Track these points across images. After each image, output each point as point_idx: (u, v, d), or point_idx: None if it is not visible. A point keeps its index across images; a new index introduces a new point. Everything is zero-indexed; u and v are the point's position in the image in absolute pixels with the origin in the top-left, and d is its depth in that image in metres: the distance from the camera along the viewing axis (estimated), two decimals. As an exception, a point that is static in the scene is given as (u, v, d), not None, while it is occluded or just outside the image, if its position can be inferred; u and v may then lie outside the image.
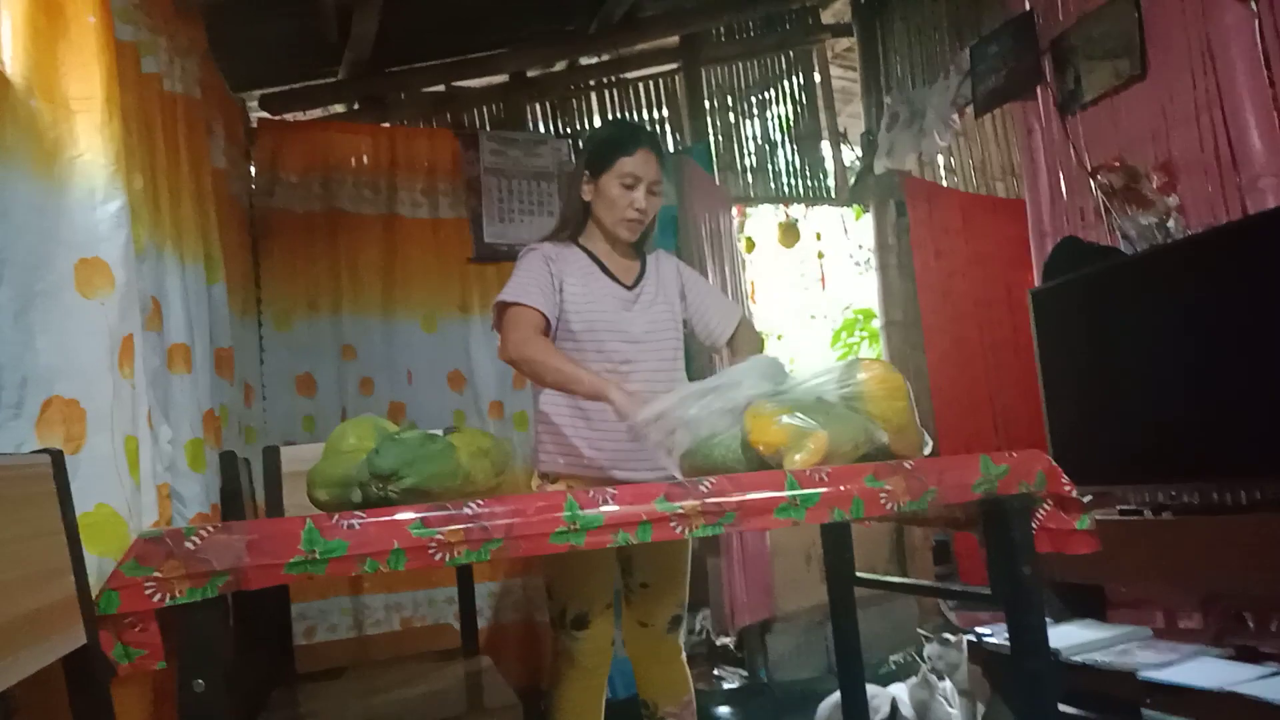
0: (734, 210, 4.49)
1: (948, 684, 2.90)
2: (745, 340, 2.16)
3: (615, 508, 1.21)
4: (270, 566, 1.07)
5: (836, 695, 2.61)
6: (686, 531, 1.25)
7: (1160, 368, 2.38)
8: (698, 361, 3.17)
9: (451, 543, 1.14)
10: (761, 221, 5.80)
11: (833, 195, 4.93)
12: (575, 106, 4.40)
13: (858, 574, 2.10)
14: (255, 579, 1.07)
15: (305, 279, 3.38)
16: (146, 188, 1.74)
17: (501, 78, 4.21)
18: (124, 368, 1.40)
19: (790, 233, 5.27)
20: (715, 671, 3.81)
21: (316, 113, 4.04)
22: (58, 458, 1.08)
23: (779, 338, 6.48)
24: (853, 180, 4.85)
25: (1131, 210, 2.77)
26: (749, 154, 4.73)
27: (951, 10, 4.01)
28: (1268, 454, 2.10)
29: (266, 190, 3.40)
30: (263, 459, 2.24)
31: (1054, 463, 1.50)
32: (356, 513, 1.13)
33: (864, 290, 6.04)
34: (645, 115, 4.54)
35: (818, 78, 4.93)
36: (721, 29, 4.63)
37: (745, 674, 3.77)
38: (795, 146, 4.84)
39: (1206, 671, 1.98)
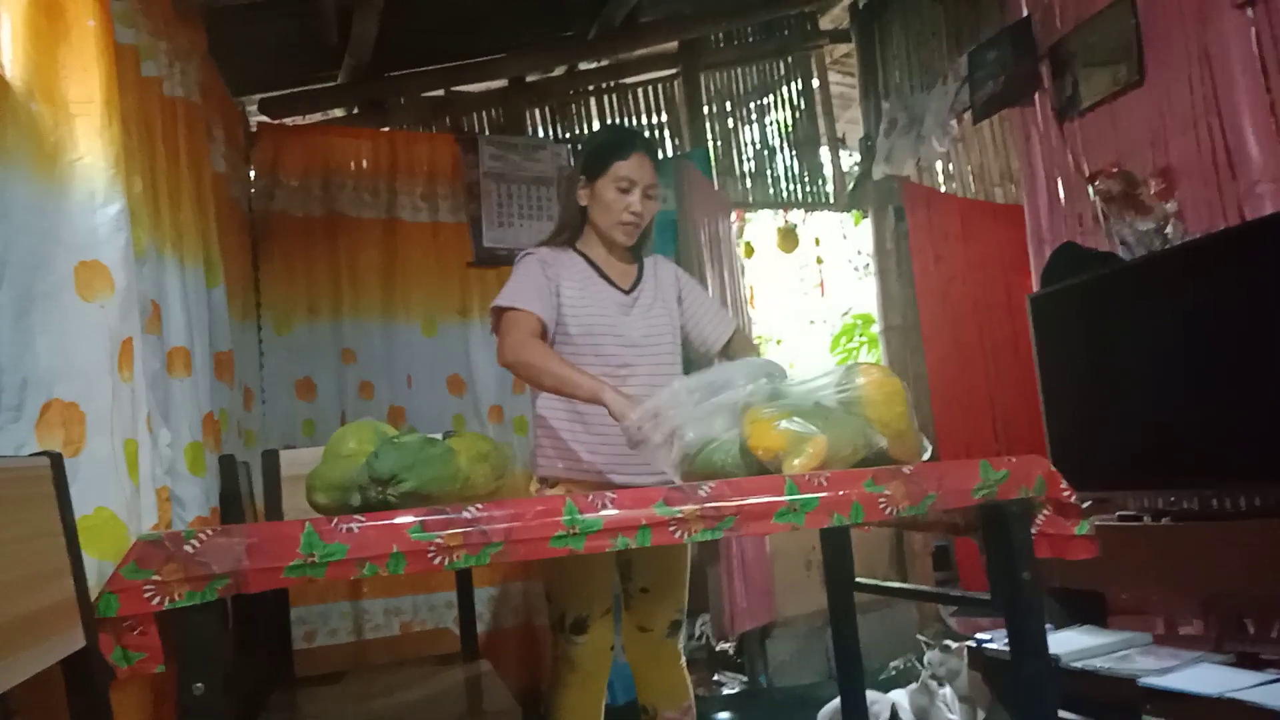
0: (733, 215, 4.49)
1: (948, 690, 2.89)
2: (740, 349, 2.18)
3: (614, 512, 1.21)
4: (269, 570, 1.07)
5: (836, 701, 2.61)
6: (685, 536, 1.25)
7: (1159, 373, 2.39)
8: (697, 368, 3.16)
9: (450, 546, 1.14)
10: (761, 227, 5.82)
11: (831, 200, 4.94)
12: (574, 111, 4.41)
13: (857, 579, 2.09)
14: (254, 582, 1.07)
15: (305, 283, 3.38)
16: (146, 191, 1.74)
17: (501, 82, 4.22)
18: (123, 371, 1.40)
19: (789, 238, 5.29)
20: (715, 677, 3.80)
21: (316, 117, 4.05)
22: (57, 460, 1.08)
23: (778, 342, 6.49)
24: (851, 186, 4.85)
25: (1129, 216, 2.78)
26: (748, 159, 4.74)
27: (949, 16, 4.02)
28: (1267, 459, 2.10)
29: (266, 194, 3.40)
30: (262, 463, 2.24)
31: (1053, 468, 1.50)
32: (355, 516, 1.13)
33: (863, 295, 6.05)
34: (644, 120, 4.55)
35: (816, 83, 4.94)
36: (720, 35, 4.64)
37: (745, 679, 3.77)
38: (794, 152, 4.85)
39: (1207, 678, 1.98)
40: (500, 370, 3.57)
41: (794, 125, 4.86)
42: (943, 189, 4.80)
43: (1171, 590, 2.41)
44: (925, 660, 2.98)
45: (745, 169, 4.72)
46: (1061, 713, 1.98)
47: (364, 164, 3.56)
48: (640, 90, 4.56)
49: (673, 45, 4.48)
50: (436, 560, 1.13)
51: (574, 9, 3.90)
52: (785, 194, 4.83)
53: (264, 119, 3.68)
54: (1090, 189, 2.96)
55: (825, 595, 2.11)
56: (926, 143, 3.98)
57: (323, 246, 3.43)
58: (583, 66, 4.39)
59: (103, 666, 1.04)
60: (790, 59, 4.89)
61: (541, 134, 4.27)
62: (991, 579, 1.52)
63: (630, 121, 4.49)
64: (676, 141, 4.54)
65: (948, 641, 2.98)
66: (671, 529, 1.24)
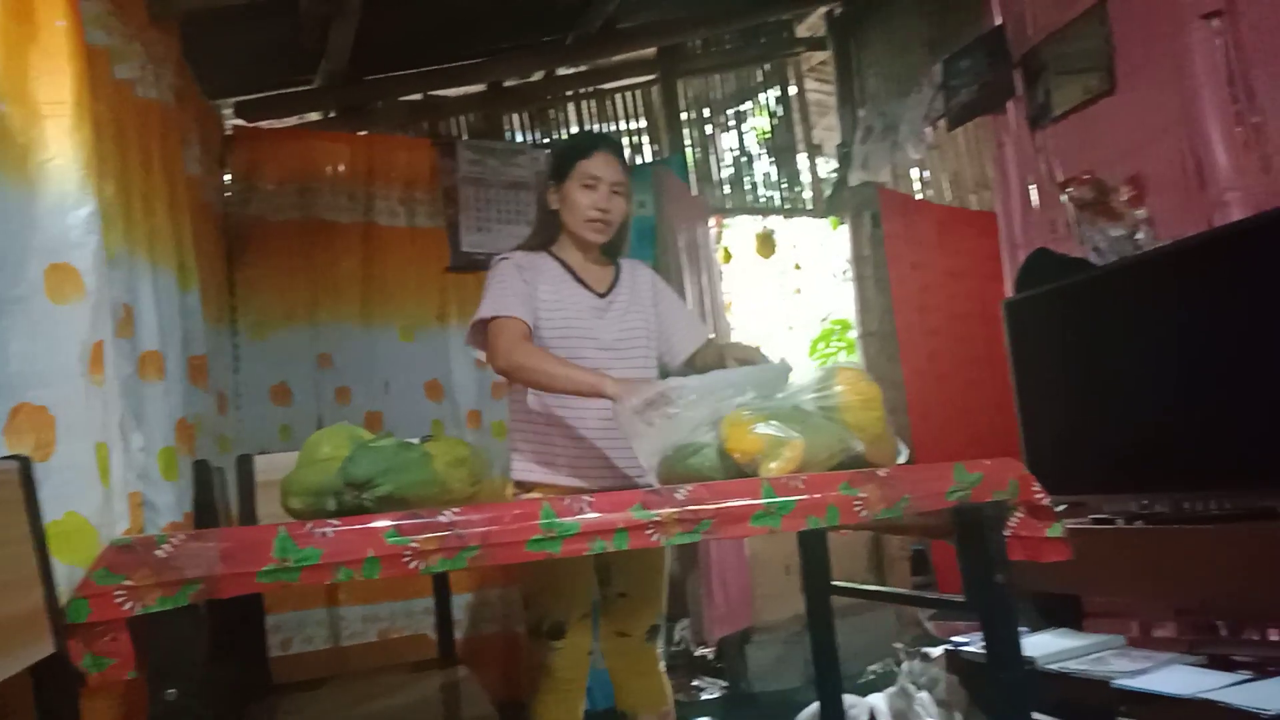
0: (711, 221, 4.51)
1: (925, 694, 2.91)
2: (708, 359, 2.11)
3: (591, 515, 1.21)
4: (243, 575, 1.06)
5: (815, 705, 2.61)
6: (663, 539, 1.25)
7: (1131, 378, 2.42)
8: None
9: (427, 551, 1.13)
10: (739, 232, 5.84)
11: (809, 207, 4.97)
12: (553, 117, 4.42)
13: (835, 583, 2.10)
14: (227, 587, 1.06)
15: (281, 287, 3.35)
16: (119, 194, 1.73)
17: (479, 87, 4.22)
18: (95, 374, 1.38)
19: (767, 243, 5.31)
20: (694, 682, 3.80)
21: (293, 120, 4.03)
22: (25, 465, 1.07)
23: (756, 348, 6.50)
24: (828, 192, 4.89)
25: (1101, 223, 2.81)
26: (726, 165, 4.77)
27: (924, 25, 4.06)
28: (1239, 464, 2.13)
29: (242, 198, 3.37)
30: (236, 468, 2.22)
31: (1026, 471, 1.52)
32: (330, 521, 1.12)
33: (841, 301, 6.09)
34: (623, 126, 4.56)
35: (794, 91, 4.97)
36: (699, 42, 4.66)
37: (725, 684, 3.76)
38: (772, 158, 4.88)
39: (1180, 679, 2.01)
40: (479, 375, 3.57)
41: (771, 132, 4.89)
42: (918, 196, 4.84)
43: (1145, 593, 2.43)
44: (903, 669, 2.99)
45: (723, 175, 4.75)
46: (1037, 715, 1.99)
47: (341, 168, 3.54)
48: (619, 96, 4.57)
49: (651, 51, 4.50)
50: (412, 565, 1.13)
51: (553, 15, 3.91)
52: (763, 200, 4.86)
53: (240, 123, 3.66)
54: (1063, 196, 2.99)
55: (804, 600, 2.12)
56: (902, 149, 4.01)
57: (299, 251, 3.40)
58: (561, 72, 4.40)
59: (72, 673, 1.03)
60: (768, 66, 4.92)
61: (520, 139, 4.27)
62: (966, 581, 1.53)
63: (609, 127, 4.50)
64: (655, 147, 4.56)
65: (926, 650, 2.99)
66: (649, 532, 1.24)
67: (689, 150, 4.54)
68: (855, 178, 4.43)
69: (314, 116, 4.09)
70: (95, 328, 1.40)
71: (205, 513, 2.04)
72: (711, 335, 2.26)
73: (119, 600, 1.02)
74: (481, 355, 2.01)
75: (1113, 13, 2.84)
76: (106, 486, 1.38)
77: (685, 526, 1.26)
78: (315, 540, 1.09)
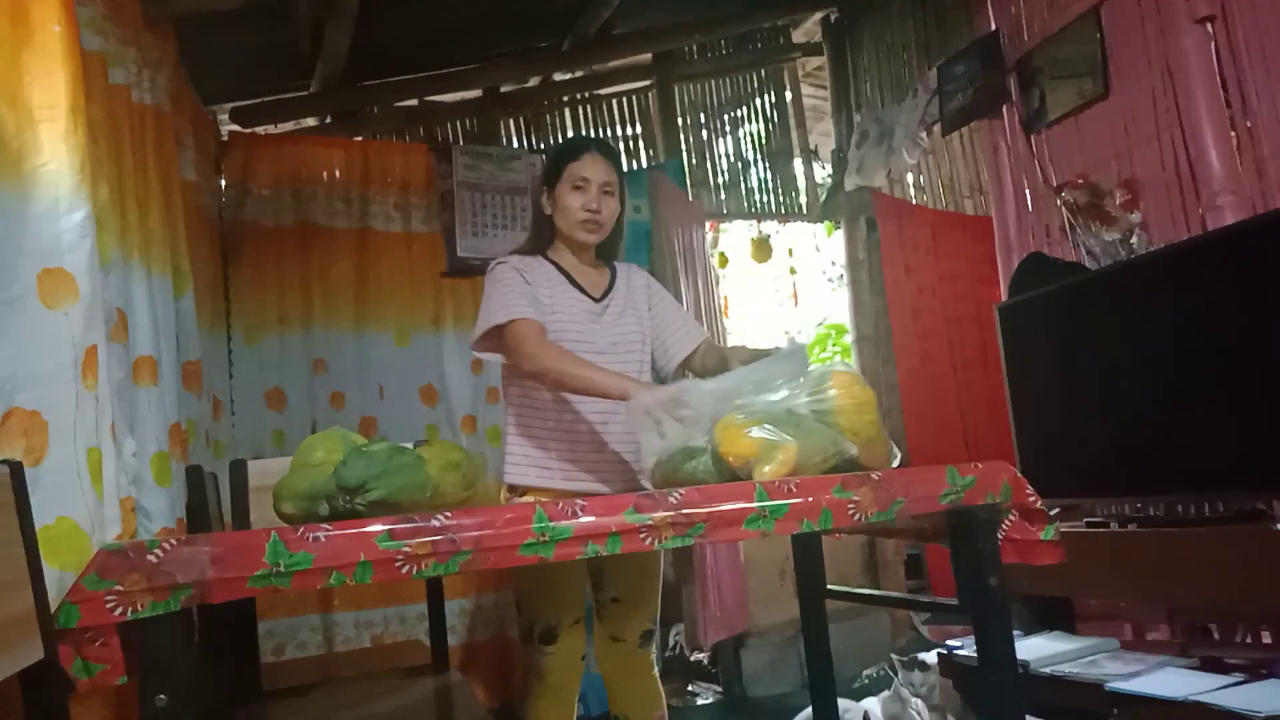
0: (707, 226, 4.51)
1: (919, 701, 2.91)
2: (709, 361, 2.10)
3: (585, 519, 1.21)
4: (234, 580, 1.06)
5: (809, 710, 2.61)
6: (656, 543, 1.25)
7: (1125, 382, 2.42)
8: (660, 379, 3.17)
9: (419, 555, 1.13)
10: (735, 237, 5.85)
11: (804, 211, 4.98)
12: (549, 122, 4.42)
13: (829, 586, 2.10)
14: (219, 592, 1.06)
15: (276, 292, 3.35)
16: (113, 198, 1.72)
17: (475, 92, 4.22)
18: (87, 379, 1.38)
19: (763, 248, 5.31)
20: (689, 687, 3.80)
21: (289, 126, 4.03)
22: (16, 469, 1.06)
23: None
24: (824, 197, 4.90)
25: (1095, 227, 2.82)
26: (722, 170, 4.77)
27: (919, 30, 4.08)
28: (1232, 467, 2.14)
29: (237, 203, 3.37)
30: (230, 473, 2.22)
31: (1019, 474, 1.52)
32: (322, 525, 1.12)
33: (836, 305, 6.10)
34: (619, 131, 4.56)
35: (789, 96, 4.98)
36: (694, 47, 4.67)
37: (719, 689, 3.76)
38: (767, 163, 4.88)
39: (1172, 682, 2.01)
40: (474, 380, 3.57)
41: (767, 137, 4.90)
42: (914, 200, 4.85)
43: (1138, 596, 2.44)
44: (899, 677, 2.98)
45: (719, 180, 4.75)
46: (1030, 718, 2.00)
47: (336, 173, 3.55)
48: (615, 101, 4.57)
49: (647, 57, 4.51)
50: (405, 569, 1.13)
51: (548, 20, 3.91)
52: (759, 205, 4.86)
53: (236, 128, 3.66)
54: (1057, 200, 3.00)
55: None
56: (897, 155, 4.02)
57: (294, 256, 3.40)
58: (557, 77, 4.41)
59: (62, 679, 1.02)
60: (763, 72, 4.93)
61: (516, 144, 4.27)
62: (959, 585, 1.53)
63: (605, 132, 4.50)
64: (651, 153, 4.56)
65: (923, 657, 2.98)
66: (642, 536, 1.24)
67: (685, 155, 4.54)
68: (851, 182, 4.44)
69: (309, 121, 4.09)
70: (88, 332, 1.40)
71: (198, 518, 2.04)
72: (707, 336, 2.25)
73: (110, 605, 1.01)
74: (487, 358, 2.00)
75: (1107, 17, 2.86)
76: (98, 491, 1.38)
77: (678, 530, 1.26)
78: (307, 545, 1.09)
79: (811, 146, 5.11)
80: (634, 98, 4.60)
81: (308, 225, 3.44)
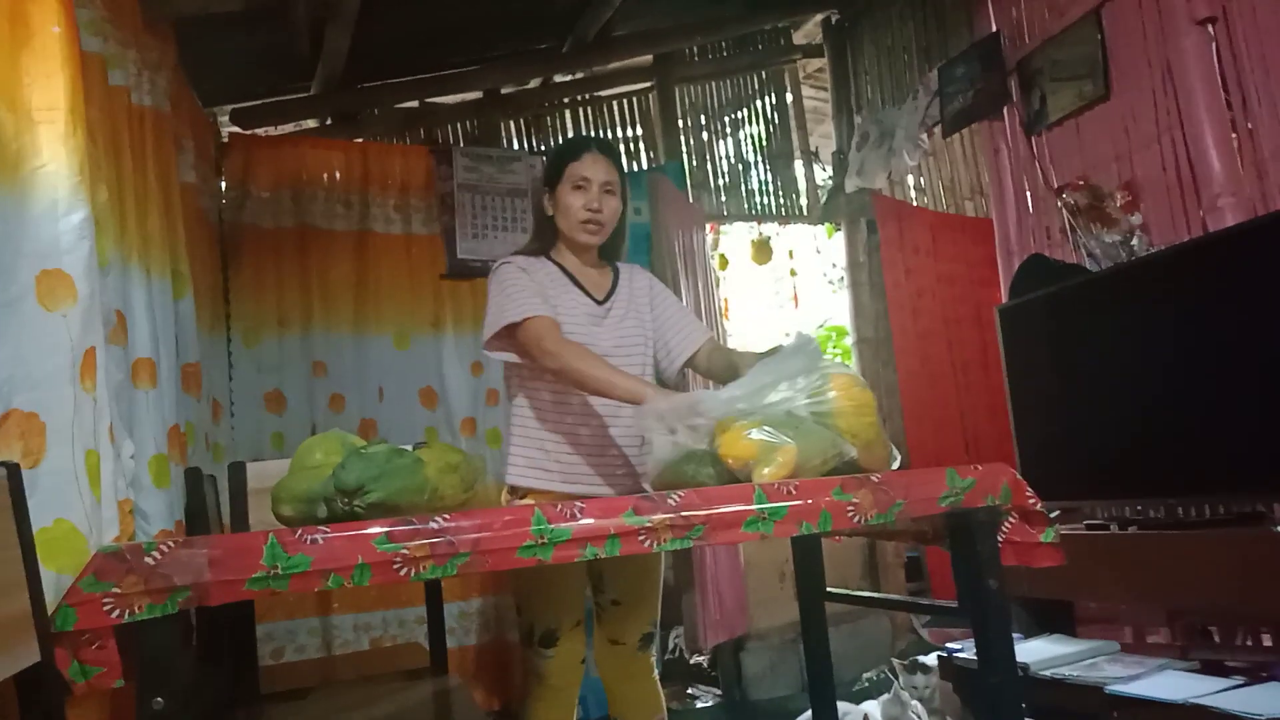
0: (707, 228, 4.51)
1: (919, 703, 2.90)
2: (715, 363, 2.08)
3: (583, 521, 1.20)
4: (232, 582, 1.06)
5: (809, 713, 2.60)
6: (655, 545, 1.24)
7: (1125, 384, 2.42)
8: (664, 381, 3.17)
9: (417, 557, 1.12)
10: (735, 239, 5.84)
11: (805, 213, 4.98)
12: (549, 124, 4.41)
13: (829, 589, 2.10)
14: (216, 595, 1.05)
15: (275, 295, 3.35)
16: (112, 200, 1.72)
17: (475, 94, 4.22)
18: (86, 381, 1.38)
19: (763, 250, 5.31)
20: (689, 690, 3.79)
21: (289, 128, 4.02)
22: (14, 471, 1.06)
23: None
24: (824, 199, 4.89)
25: (1096, 228, 2.82)
26: (722, 172, 4.77)
27: (920, 32, 4.08)
28: (1232, 469, 2.13)
29: (237, 205, 3.37)
30: (228, 475, 2.21)
31: (1019, 476, 1.51)
32: (320, 528, 1.11)
33: (836, 307, 6.09)
34: (619, 133, 4.56)
35: (790, 98, 4.98)
36: (694, 49, 4.67)
37: (719, 692, 3.76)
38: (768, 165, 4.88)
39: (1173, 684, 2.01)
40: (474, 382, 3.57)
41: (768, 139, 4.89)
42: (914, 202, 4.85)
43: (1138, 599, 2.43)
44: (899, 680, 2.98)
45: (720, 182, 4.74)
46: (1031, 721, 1.99)
47: (336, 175, 3.55)
48: (615, 103, 4.57)
49: (647, 59, 4.51)
50: (403, 571, 1.12)
51: (548, 22, 3.92)
52: (759, 207, 4.86)
53: (235, 130, 3.66)
54: (1058, 202, 3.00)
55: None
56: (898, 156, 4.02)
57: (294, 258, 3.40)
58: (558, 79, 4.40)
59: (58, 682, 1.02)
60: (764, 74, 4.92)
61: (516, 146, 4.27)
62: (959, 587, 1.52)
63: (605, 134, 4.50)
64: (651, 154, 4.56)
65: (923, 660, 2.98)
66: (641, 538, 1.23)
67: (685, 157, 4.54)
68: (851, 184, 4.44)
69: (309, 123, 4.09)
70: (87, 334, 1.40)
71: (197, 521, 2.04)
72: (711, 335, 2.23)
73: (107, 608, 1.01)
74: (498, 358, 2.00)
75: (1107, 19, 2.86)
76: (96, 494, 1.38)
77: (678, 532, 1.25)
78: (305, 547, 1.08)
79: (812, 148, 5.11)
80: (634, 99, 4.60)
81: (307, 227, 3.44)
